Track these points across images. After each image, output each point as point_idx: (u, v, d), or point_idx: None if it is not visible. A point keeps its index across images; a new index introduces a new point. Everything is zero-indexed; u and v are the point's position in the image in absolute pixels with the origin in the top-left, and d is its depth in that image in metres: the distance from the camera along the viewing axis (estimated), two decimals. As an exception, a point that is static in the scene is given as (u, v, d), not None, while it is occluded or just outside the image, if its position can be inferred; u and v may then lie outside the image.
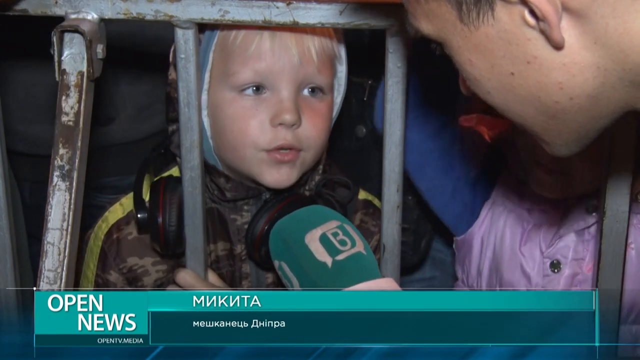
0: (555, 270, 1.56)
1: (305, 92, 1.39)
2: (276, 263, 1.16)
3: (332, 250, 1.11)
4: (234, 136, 1.37)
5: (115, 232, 1.48)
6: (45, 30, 1.21)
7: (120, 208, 1.50)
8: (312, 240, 1.12)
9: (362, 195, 1.57)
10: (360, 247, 1.13)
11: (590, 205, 1.54)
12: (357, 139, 1.83)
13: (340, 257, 1.11)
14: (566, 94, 0.88)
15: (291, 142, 1.37)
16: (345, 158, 1.78)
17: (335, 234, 1.14)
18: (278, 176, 1.39)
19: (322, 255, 1.11)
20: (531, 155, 1.54)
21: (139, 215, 1.40)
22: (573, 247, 1.56)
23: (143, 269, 1.47)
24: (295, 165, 1.40)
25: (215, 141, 1.41)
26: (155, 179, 1.44)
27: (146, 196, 1.43)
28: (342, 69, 1.44)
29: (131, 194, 1.47)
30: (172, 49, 1.41)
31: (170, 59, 1.42)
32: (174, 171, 1.48)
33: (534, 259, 1.58)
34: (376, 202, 1.57)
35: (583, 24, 0.84)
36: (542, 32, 0.85)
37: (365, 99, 1.78)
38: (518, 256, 1.59)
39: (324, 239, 1.13)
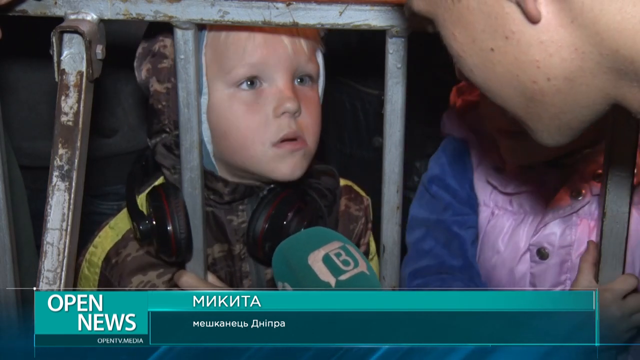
0: (543, 258, 1.54)
1: (296, 82, 1.40)
2: (279, 284, 1.16)
3: (335, 270, 1.12)
4: (241, 134, 1.37)
5: (113, 257, 1.45)
6: (46, 42, 1.20)
7: (112, 231, 1.47)
8: (315, 261, 1.13)
9: (343, 182, 1.59)
10: (363, 267, 1.13)
11: (574, 190, 1.52)
12: (374, 150, 1.86)
13: (343, 277, 1.12)
14: (543, 74, 0.88)
15: (295, 131, 1.37)
16: (363, 167, 1.80)
17: (338, 255, 1.14)
18: (292, 165, 1.38)
19: (325, 275, 1.12)
20: (493, 123, 1.52)
21: (141, 227, 1.37)
22: (560, 233, 1.53)
23: (150, 284, 1.45)
24: (305, 155, 1.40)
25: (218, 145, 1.40)
26: (152, 187, 1.43)
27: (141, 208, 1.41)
28: (320, 62, 1.45)
29: (118, 216, 1.46)
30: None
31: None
32: (160, 182, 1.46)
33: (517, 249, 1.55)
34: (355, 187, 1.60)
35: (561, 0, 0.84)
36: (518, 4, 0.85)
37: (382, 112, 1.80)
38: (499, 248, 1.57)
39: (327, 260, 1.13)
